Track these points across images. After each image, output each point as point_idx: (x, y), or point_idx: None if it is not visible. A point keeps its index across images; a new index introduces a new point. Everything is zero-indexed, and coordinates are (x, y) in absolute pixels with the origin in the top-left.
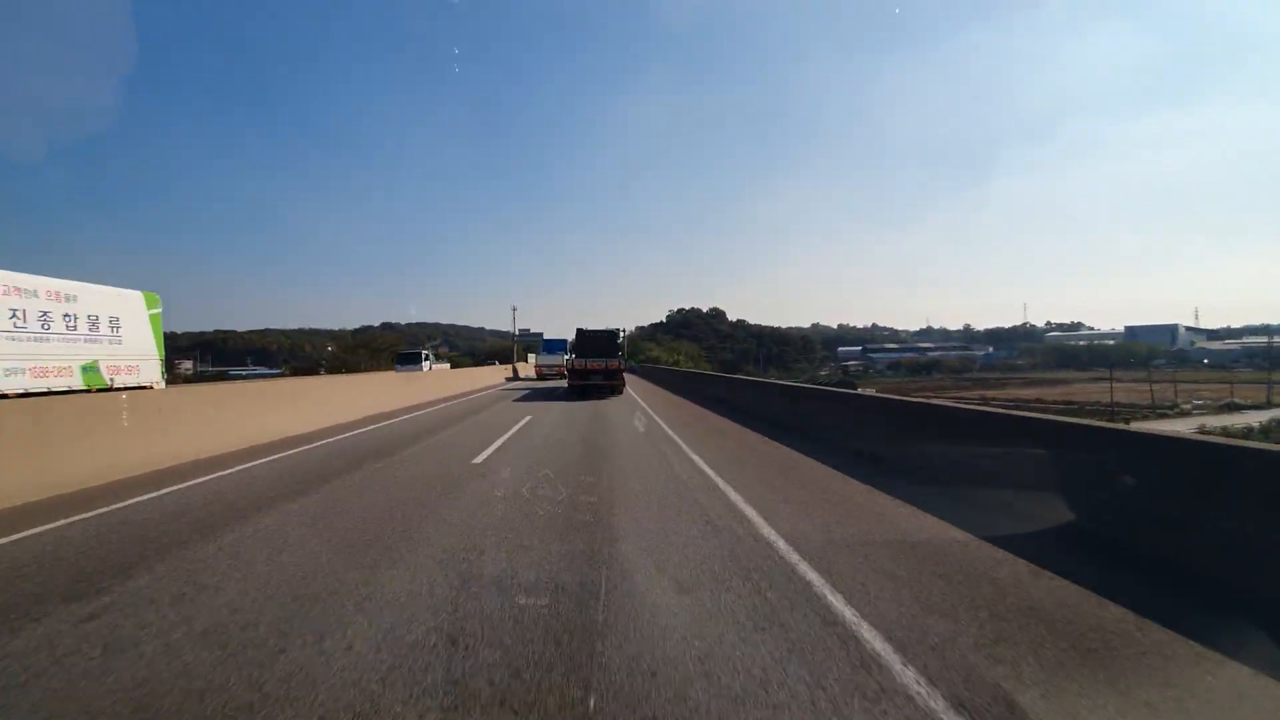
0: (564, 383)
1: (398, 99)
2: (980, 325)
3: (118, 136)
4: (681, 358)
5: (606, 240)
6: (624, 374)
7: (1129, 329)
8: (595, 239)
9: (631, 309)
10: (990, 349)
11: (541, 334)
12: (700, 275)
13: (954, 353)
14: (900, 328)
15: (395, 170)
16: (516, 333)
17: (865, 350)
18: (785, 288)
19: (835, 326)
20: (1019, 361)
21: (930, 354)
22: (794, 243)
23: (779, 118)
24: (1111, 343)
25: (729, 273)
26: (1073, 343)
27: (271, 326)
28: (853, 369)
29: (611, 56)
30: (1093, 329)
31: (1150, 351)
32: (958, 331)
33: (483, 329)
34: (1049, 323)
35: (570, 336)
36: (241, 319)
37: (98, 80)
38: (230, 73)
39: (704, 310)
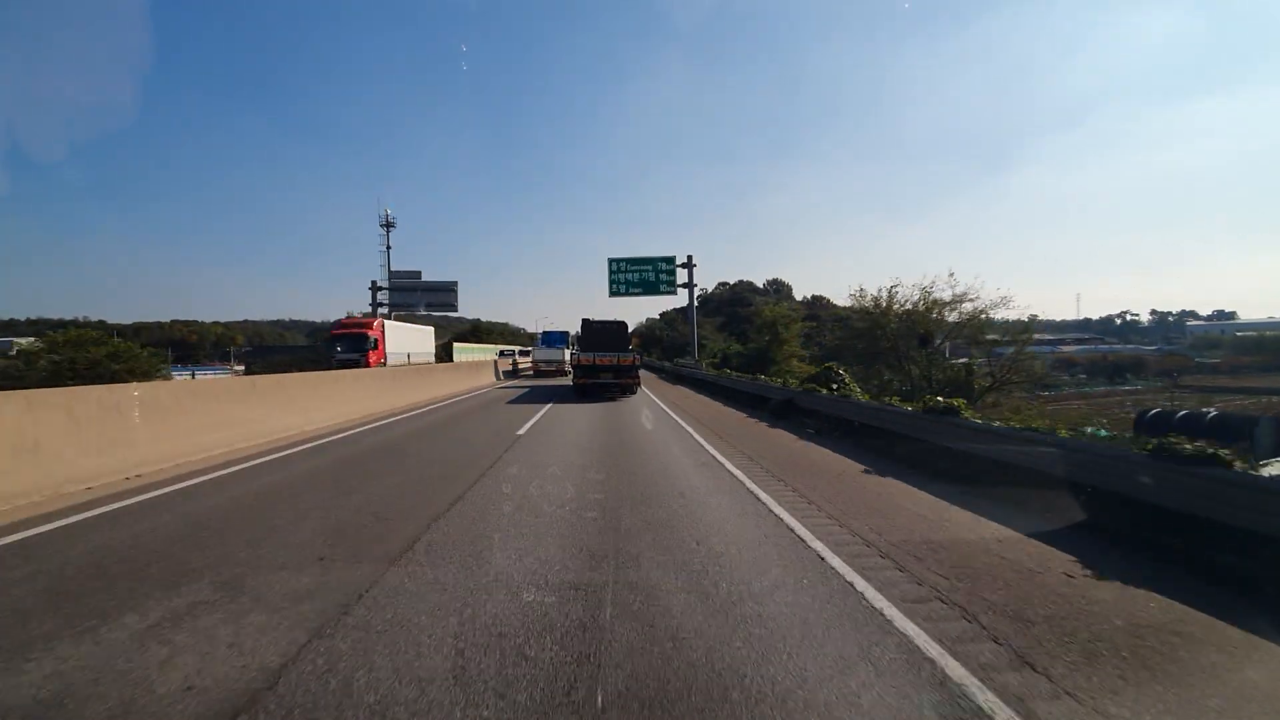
0: (566, 380)
1: (402, 92)
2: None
3: (132, 131)
4: None
5: (611, 230)
6: (639, 372)
7: None
8: (599, 229)
9: (644, 298)
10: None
11: (455, 282)
12: (718, 258)
13: (1099, 347)
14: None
15: (398, 165)
16: (387, 280)
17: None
18: (802, 275)
19: None
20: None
21: (1077, 350)
22: (807, 230)
23: (798, 106)
24: None
25: (744, 260)
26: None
27: (250, 318)
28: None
29: (622, 45)
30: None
31: None
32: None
33: (480, 320)
34: (1153, 311)
35: (570, 330)
36: (223, 310)
37: (116, 77)
38: (229, 65)
39: (758, 285)
